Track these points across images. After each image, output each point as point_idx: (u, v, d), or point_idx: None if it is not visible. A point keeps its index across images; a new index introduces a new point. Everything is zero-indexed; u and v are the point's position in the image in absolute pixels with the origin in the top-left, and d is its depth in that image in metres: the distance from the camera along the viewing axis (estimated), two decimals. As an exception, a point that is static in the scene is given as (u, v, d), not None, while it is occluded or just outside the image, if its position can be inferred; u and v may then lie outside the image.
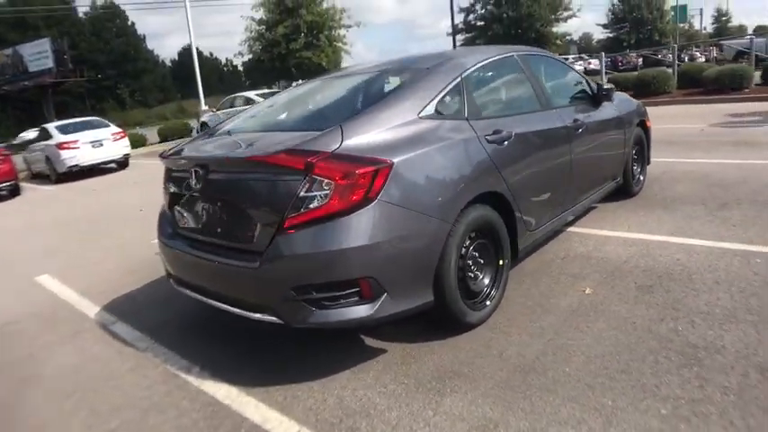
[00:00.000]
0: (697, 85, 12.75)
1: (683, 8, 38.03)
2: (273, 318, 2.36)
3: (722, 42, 22.90)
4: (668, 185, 5.14)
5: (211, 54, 64.68)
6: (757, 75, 12.52)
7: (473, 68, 3.08)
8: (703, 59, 27.56)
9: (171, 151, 3.06)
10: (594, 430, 1.94)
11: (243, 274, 2.38)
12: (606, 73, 17.28)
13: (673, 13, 40.15)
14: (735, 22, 58.04)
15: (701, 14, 60.97)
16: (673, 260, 3.37)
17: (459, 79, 2.92)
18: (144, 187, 9.46)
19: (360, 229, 2.21)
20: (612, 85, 4.28)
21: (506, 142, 2.92)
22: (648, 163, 5.19)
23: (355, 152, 2.30)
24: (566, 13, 37.28)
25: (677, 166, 5.84)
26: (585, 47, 55.30)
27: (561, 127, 3.50)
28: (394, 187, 2.30)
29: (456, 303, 2.59)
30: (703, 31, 52.16)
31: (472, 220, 2.63)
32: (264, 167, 2.33)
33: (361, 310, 2.27)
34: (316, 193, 2.20)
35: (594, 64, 28.53)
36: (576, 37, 49.69)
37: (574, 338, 2.58)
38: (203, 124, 17.93)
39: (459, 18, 36.19)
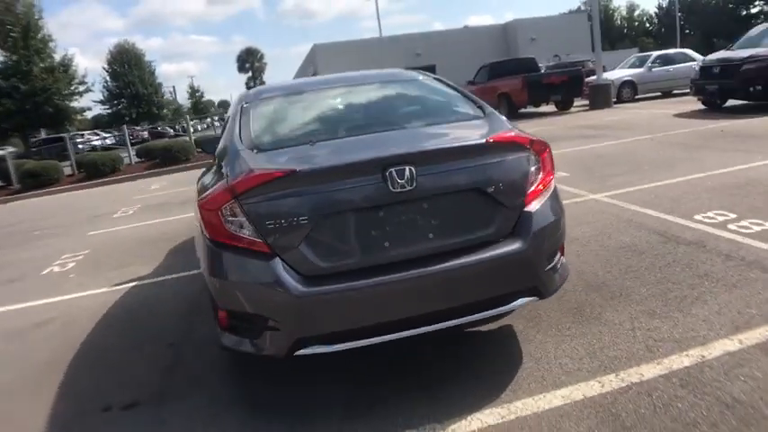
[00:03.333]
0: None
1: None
2: (529, 299, 2.39)
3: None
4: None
5: None
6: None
7: None
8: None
9: (308, 166, 2.24)
10: (724, 302, 2.88)
11: (505, 262, 2.26)
12: (132, 144, 18.04)
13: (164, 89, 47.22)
14: (207, 97, 74.46)
15: (175, 91, 70.08)
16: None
17: None
18: None
19: (559, 197, 2.61)
20: None
21: None
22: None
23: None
24: (81, 87, 35.31)
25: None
26: (96, 123, 53.47)
27: None
28: None
29: None
30: (184, 108, 60.09)
31: None
32: (499, 148, 2.39)
33: (567, 270, 2.65)
34: (535, 167, 2.46)
35: (110, 138, 27.61)
36: (90, 115, 48.15)
37: (601, 270, 3.49)
38: None
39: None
